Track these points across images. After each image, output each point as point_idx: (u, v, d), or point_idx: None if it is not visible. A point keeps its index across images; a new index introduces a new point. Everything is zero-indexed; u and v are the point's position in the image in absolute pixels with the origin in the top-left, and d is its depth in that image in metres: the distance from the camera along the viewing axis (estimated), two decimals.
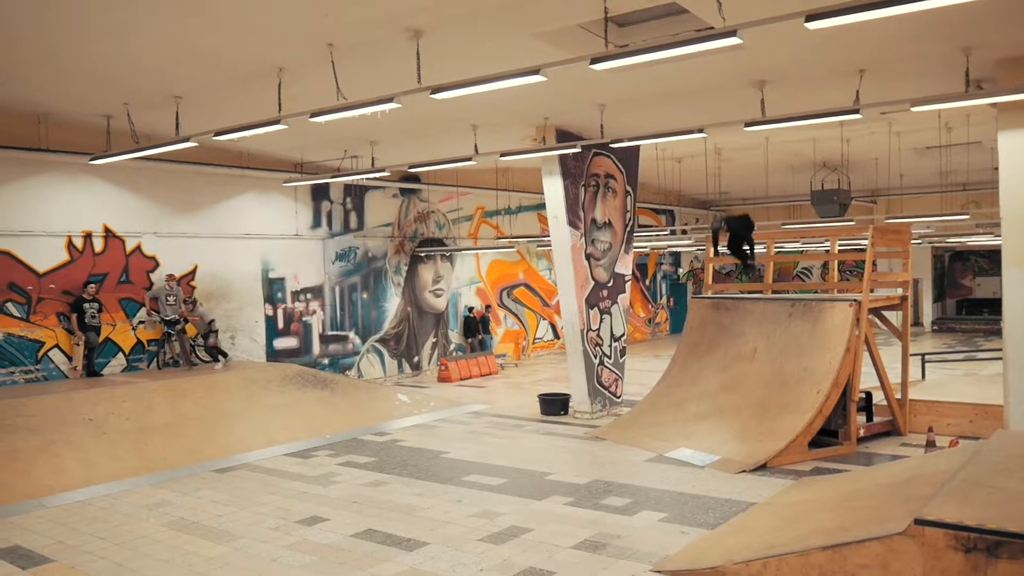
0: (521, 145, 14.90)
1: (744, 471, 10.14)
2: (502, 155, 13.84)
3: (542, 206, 15.71)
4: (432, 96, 8.92)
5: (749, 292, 15.65)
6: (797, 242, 24.91)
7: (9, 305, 13.36)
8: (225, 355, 15.25)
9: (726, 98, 12.19)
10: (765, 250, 14.21)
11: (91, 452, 10.77)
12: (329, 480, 10.43)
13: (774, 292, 14.12)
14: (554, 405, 14.57)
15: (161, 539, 8.27)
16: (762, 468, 10.23)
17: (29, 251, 13.69)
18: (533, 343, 24.52)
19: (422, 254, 20.83)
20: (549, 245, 15.55)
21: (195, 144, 11.84)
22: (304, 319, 18.12)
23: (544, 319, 24.99)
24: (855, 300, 11.47)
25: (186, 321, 15.25)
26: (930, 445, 10.61)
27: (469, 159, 14.14)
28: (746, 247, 12.64)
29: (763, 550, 6.57)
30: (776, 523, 7.56)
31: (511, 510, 8.88)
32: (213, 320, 15.66)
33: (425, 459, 11.47)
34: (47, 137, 13.33)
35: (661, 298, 30.83)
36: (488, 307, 22.66)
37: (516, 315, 24.00)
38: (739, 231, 12.67)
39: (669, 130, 12.17)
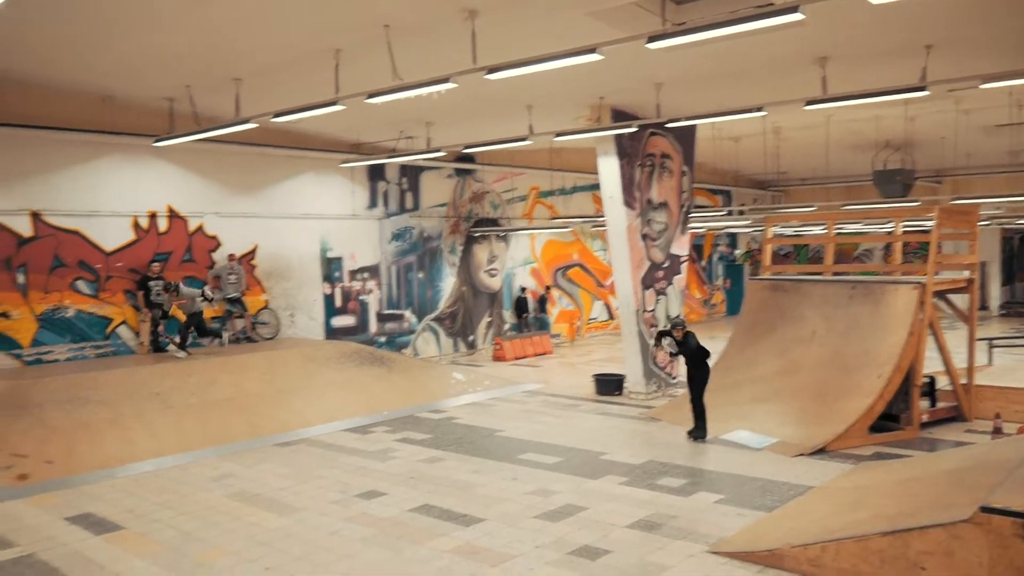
0: (575, 125, 14.82)
1: (802, 455, 10.02)
2: (557, 135, 13.80)
3: (596, 186, 15.60)
4: (487, 76, 8.92)
5: (809, 274, 15.38)
6: (857, 223, 24.38)
7: (79, 283, 13.82)
8: (220, 336, 14.87)
9: (786, 76, 11.95)
10: (825, 231, 13.94)
11: (158, 425, 11.12)
12: (387, 456, 10.61)
13: (834, 274, 13.85)
14: (609, 385, 14.57)
15: (226, 510, 8.52)
16: (820, 452, 10.10)
17: (97, 231, 14.11)
18: (587, 323, 24.49)
19: (477, 234, 20.91)
20: (604, 225, 15.45)
21: (255, 126, 12.06)
22: (361, 298, 18.38)
23: (598, 299, 24.93)
24: (919, 283, 11.20)
25: (227, 301, 15.50)
26: (997, 432, 10.35)
27: (524, 139, 14.12)
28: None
29: (821, 534, 6.51)
30: (835, 508, 7.47)
31: (566, 488, 8.93)
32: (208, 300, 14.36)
33: (480, 437, 11.59)
34: (113, 120, 13.70)
35: (717, 279, 30.49)
36: (548, 287, 22.70)
37: (570, 295, 23.99)
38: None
39: (727, 109, 11.98)
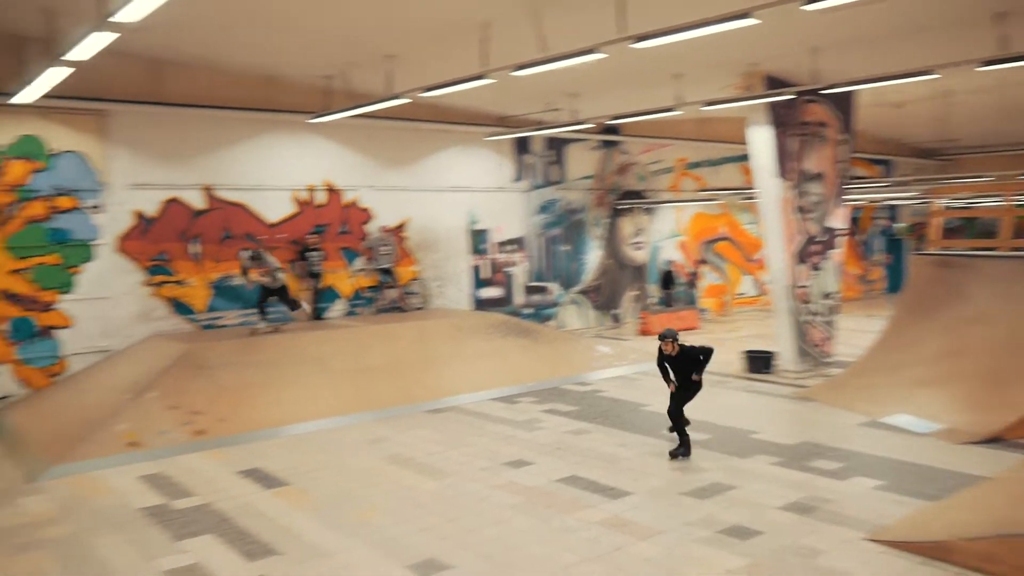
0: (725, 93, 14.35)
1: (970, 442, 9.40)
2: (706, 105, 13.42)
3: (746, 157, 15.07)
4: (635, 46, 8.76)
5: (982, 249, 14.31)
6: None
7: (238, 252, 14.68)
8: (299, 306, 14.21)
9: (957, 35, 11.09)
10: (1001, 203, 12.91)
11: (317, 389, 11.72)
12: (533, 426, 10.76)
13: (1012, 249, 12.82)
14: (759, 362, 14.15)
15: (381, 472, 8.91)
16: (992, 441, 9.44)
17: (261, 204, 14.95)
18: (735, 298, 23.84)
19: (622, 207, 20.71)
20: (754, 197, 14.93)
21: (406, 101, 12.40)
22: (507, 269, 18.63)
23: (747, 274, 24.21)
24: None
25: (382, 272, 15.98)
26: None
27: (671, 110, 13.82)
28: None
29: (996, 527, 6.10)
30: (1010, 500, 6.98)
31: (715, 466, 8.78)
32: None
33: (626, 410, 11.55)
34: (275, 99, 14.42)
35: (876, 254, 28.91)
36: (699, 262, 22.26)
37: (718, 269, 23.41)
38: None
39: (891, 73, 11.26)
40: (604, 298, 20.62)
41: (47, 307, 12.89)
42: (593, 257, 20.40)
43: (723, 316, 22.73)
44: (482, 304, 18.05)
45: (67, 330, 13.00)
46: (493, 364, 13.55)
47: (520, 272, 18.90)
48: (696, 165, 22.46)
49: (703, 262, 22.37)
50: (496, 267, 18.44)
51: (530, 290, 19.02)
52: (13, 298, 12.61)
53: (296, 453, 9.72)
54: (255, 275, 13.24)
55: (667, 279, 21.04)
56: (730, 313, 23.22)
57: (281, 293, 13.41)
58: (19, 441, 10.49)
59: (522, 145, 18.77)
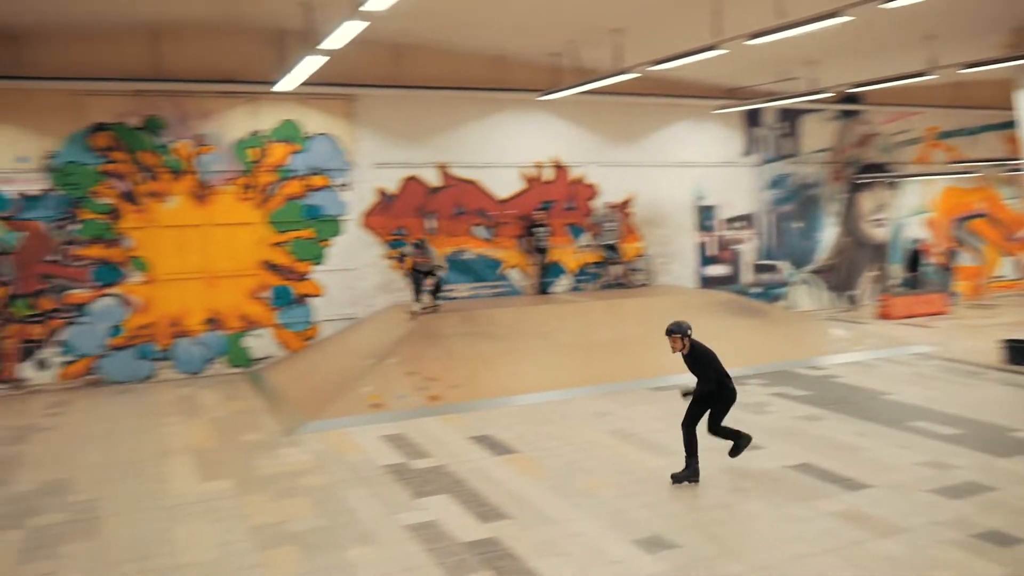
0: (987, 54, 12.92)
1: None
2: (965, 67, 12.18)
3: (1010, 124, 13.53)
4: (884, 6, 8.11)
5: None
6: None
7: (478, 228, 15.30)
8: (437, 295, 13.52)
9: None
10: None
11: (544, 361, 12.02)
12: (762, 409, 10.39)
13: None
14: (1021, 353, 12.74)
15: (606, 444, 9.00)
16: None
17: (491, 181, 15.47)
18: (992, 281, 21.60)
19: (862, 181, 19.35)
20: (1018, 170, 13.40)
21: (634, 76, 12.28)
22: (734, 247, 18.06)
23: (1007, 255, 21.84)
24: None
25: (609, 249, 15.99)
26: None
27: (923, 75, 12.69)
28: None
29: None
30: None
31: (968, 464, 8.02)
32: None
33: (864, 398, 10.85)
34: (504, 77, 14.82)
35: None
36: (957, 243, 20.43)
37: (973, 249, 21.31)
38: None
39: None
40: (839, 278, 19.44)
41: (302, 277, 14.18)
42: (828, 235, 19.28)
43: (978, 301, 20.67)
44: (708, 282, 17.64)
45: (319, 298, 14.22)
46: (719, 343, 13.02)
47: (748, 250, 18.25)
48: (949, 135, 20.52)
49: (956, 241, 20.43)
50: (723, 244, 17.93)
51: (759, 268, 18.32)
52: (274, 268, 13.97)
53: (524, 422, 10.02)
54: (411, 262, 13.30)
55: (914, 259, 19.43)
56: (986, 298, 21.08)
57: (432, 275, 13.19)
58: (279, 398, 11.65)
59: (752, 117, 18.04)
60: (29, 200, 12.59)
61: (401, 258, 14.19)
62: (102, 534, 6.90)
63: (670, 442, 8.97)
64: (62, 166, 12.71)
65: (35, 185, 12.61)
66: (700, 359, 7.69)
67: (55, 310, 12.80)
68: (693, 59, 10.94)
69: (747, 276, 18.23)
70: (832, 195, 19.24)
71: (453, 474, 8.12)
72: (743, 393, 11.09)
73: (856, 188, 19.46)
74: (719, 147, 17.73)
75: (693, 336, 7.76)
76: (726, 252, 17.98)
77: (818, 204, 19.10)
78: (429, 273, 13.14)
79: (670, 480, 7.64)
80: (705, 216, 17.66)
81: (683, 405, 7.84)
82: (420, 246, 13.18)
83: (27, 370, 12.73)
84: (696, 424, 7.72)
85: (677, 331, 7.70)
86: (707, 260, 17.74)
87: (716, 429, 7.89)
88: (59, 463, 9.02)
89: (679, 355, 7.86)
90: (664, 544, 6.28)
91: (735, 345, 13.22)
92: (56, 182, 12.71)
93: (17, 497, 7.92)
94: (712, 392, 7.65)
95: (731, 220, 17.99)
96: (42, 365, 12.79)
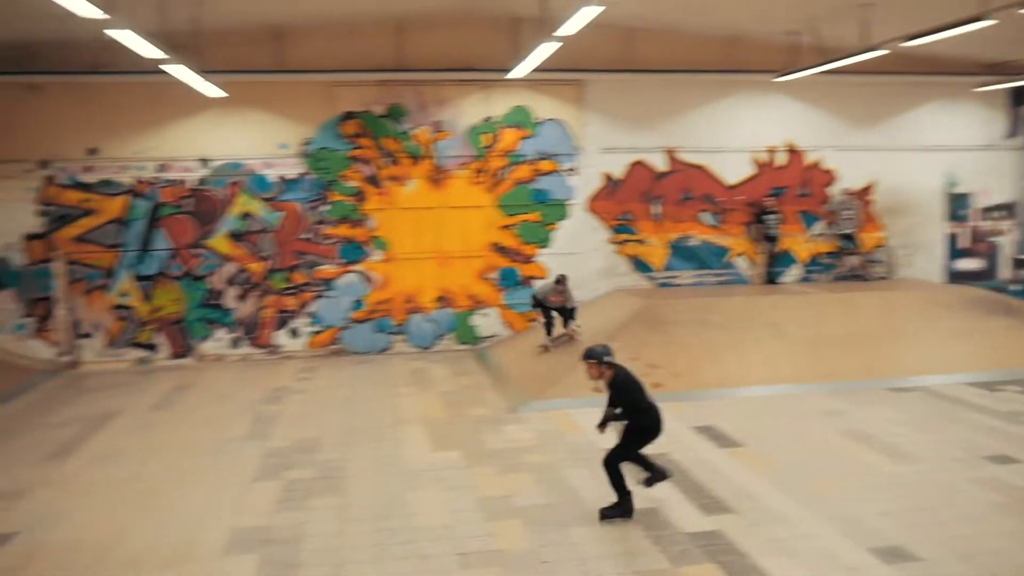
0: None
1: None
2: None
3: None
4: None
5: None
6: None
7: (703, 214, 14.97)
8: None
9: None
10: None
11: (771, 354, 11.56)
12: (1018, 418, 9.39)
13: None
14: None
15: (838, 445, 8.52)
16: None
17: (720, 165, 15.04)
18: None
19: None
20: None
21: (883, 52, 11.43)
22: (991, 239, 16.39)
23: None
24: None
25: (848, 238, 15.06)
26: None
27: None
28: None
29: None
30: None
31: None
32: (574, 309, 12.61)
33: None
34: (737, 59, 14.32)
35: None
36: None
37: None
38: None
39: None
40: None
41: (528, 259, 14.55)
42: None
43: None
44: (958, 277, 16.13)
45: (544, 281, 14.54)
46: (970, 344, 12.06)
47: (1008, 242, 16.48)
48: None
49: None
50: (978, 236, 16.32)
51: (1020, 263, 16.50)
52: (502, 250, 14.44)
53: (749, 416, 9.71)
54: (553, 299, 12.38)
55: None
56: None
57: (562, 311, 12.42)
58: (503, 376, 12.06)
59: (1019, 96, 16.21)
60: (287, 183, 13.84)
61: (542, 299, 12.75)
62: (347, 492, 7.50)
63: (911, 448, 8.38)
64: (315, 152, 13.85)
65: (293, 170, 13.84)
66: (622, 389, 6.58)
67: (306, 284, 14.03)
68: (954, 32, 9.99)
69: (1005, 271, 16.47)
70: None
71: (676, 463, 8.01)
72: (997, 400, 10.14)
73: None
74: (977, 129, 16.10)
75: (618, 362, 6.68)
76: (981, 244, 16.35)
77: None
78: (562, 310, 12.44)
79: (598, 515, 6.69)
80: (958, 205, 16.14)
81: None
82: (560, 282, 12.31)
83: (281, 338, 14.06)
84: (623, 461, 6.71)
85: (591, 357, 6.60)
86: (957, 253, 16.22)
87: (634, 457, 6.80)
88: (309, 423, 9.90)
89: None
90: (906, 556, 5.86)
91: (989, 347, 12.10)
92: (310, 166, 13.87)
93: (276, 451, 8.79)
94: (645, 426, 6.63)
95: (988, 209, 16.31)
96: (294, 334, 14.07)
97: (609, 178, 14.68)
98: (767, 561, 5.83)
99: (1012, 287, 16.19)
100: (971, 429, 8.97)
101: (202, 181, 13.65)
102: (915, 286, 14.43)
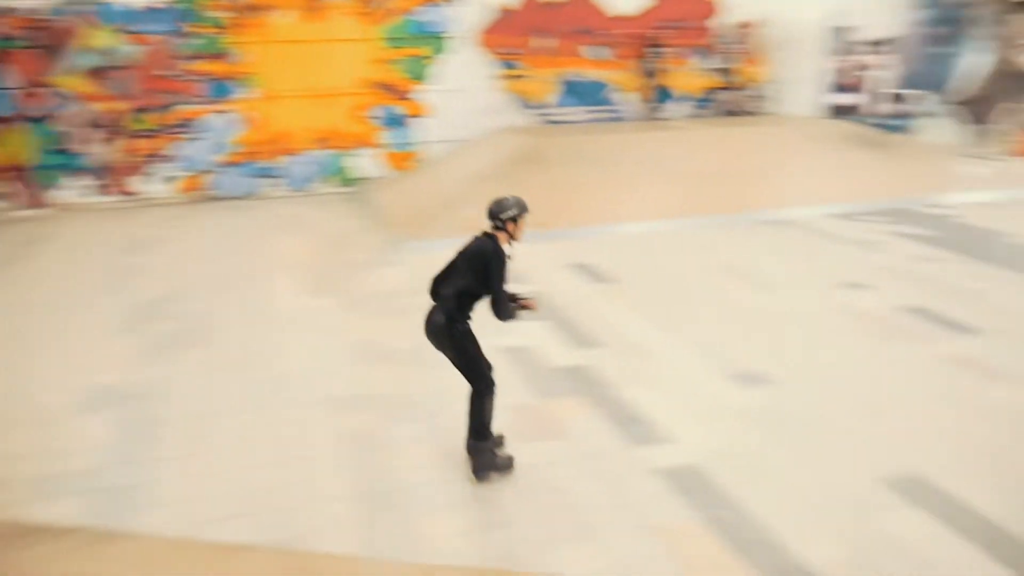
0: None
1: None
2: None
3: None
4: None
5: None
6: None
7: (593, 48, 14.55)
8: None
9: None
10: None
11: (648, 190, 11.67)
12: (875, 247, 9.86)
13: None
14: None
15: (707, 278, 8.78)
16: None
17: None
18: None
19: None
20: None
21: None
22: (869, 73, 16.65)
23: None
24: None
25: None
26: None
27: None
28: None
29: None
30: None
31: None
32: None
33: (987, 240, 10.13)
34: None
35: None
36: None
37: None
38: None
39: None
40: (978, 111, 17.78)
41: (410, 96, 13.96)
42: (972, 62, 17.47)
43: None
44: (836, 111, 16.46)
45: (427, 119, 14.06)
46: (839, 177, 12.49)
47: (884, 77, 16.79)
48: None
49: None
50: (856, 70, 16.54)
51: (893, 98, 16.93)
52: (384, 87, 13.80)
53: (624, 252, 9.86)
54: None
55: None
56: None
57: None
58: (382, 218, 11.81)
59: None
60: (148, 13, 12.61)
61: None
62: (213, 343, 7.29)
63: (775, 278, 8.73)
64: None
65: None
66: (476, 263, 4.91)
67: (171, 125, 13.14)
68: None
69: (879, 105, 16.89)
70: (989, 17, 17.26)
71: (548, 300, 8.11)
72: (858, 230, 10.59)
73: (1013, 9, 17.37)
74: None
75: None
76: (858, 79, 16.62)
77: (972, 27, 17.20)
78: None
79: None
80: (839, 38, 16.22)
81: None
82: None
83: (146, 184, 13.27)
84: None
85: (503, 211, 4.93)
86: (836, 88, 16.47)
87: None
88: (174, 274, 9.50)
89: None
90: (761, 380, 6.18)
91: (855, 180, 12.57)
92: None
93: (138, 305, 8.43)
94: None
95: (868, 43, 16.47)
96: (160, 179, 13.30)
97: (498, 10, 14.00)
98: (631, 391, 6.04)
99: (884, 121, 16.65)
100: (832, 259, 9.38)
101: (51, 11, 12.30)
102: (793, 121, 14.72)
